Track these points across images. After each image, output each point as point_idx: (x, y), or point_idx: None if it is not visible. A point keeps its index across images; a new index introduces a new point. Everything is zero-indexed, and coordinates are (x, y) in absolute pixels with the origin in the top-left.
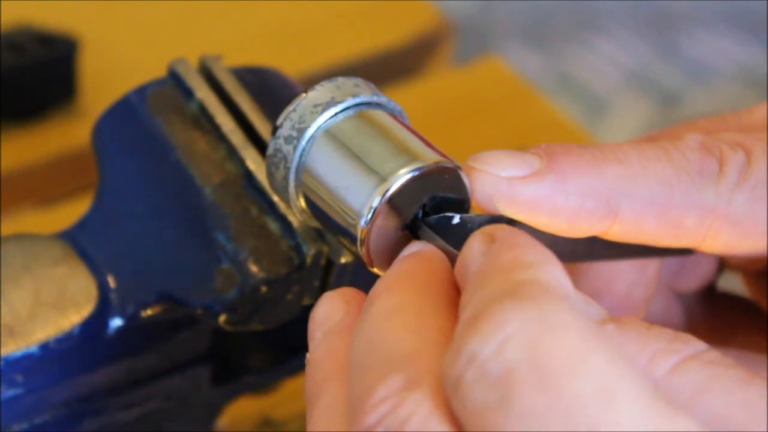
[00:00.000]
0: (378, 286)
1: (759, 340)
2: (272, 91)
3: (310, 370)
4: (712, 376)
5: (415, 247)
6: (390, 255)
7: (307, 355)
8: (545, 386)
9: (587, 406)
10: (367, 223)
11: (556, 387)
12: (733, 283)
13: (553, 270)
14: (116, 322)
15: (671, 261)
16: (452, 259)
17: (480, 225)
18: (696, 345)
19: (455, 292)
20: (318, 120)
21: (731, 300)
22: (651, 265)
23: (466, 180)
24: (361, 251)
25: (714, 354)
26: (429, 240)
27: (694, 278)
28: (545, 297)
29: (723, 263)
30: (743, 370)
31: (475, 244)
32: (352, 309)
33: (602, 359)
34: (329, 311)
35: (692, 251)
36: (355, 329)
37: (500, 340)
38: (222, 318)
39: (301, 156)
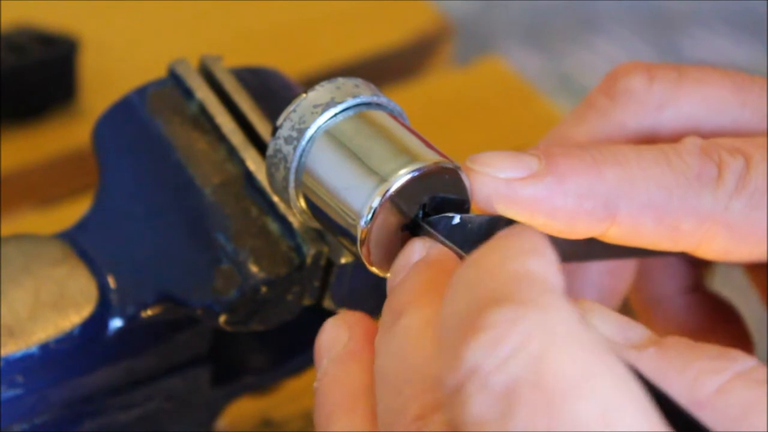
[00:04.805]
0: (402, 296)
1: (735, 341)
2: (272, 92)
3: (319, 399)
4: (757, 397)
5: (419, 245)
6: (390, 255)
7: (315, 384)
8: (547, 406)
9: (587, 428)
10: (367, 224)
11: (558, 408)
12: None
13: (541, 262)
14: (116, 323)
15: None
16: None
17: (480, 225)
18: (743, 362)
19: None
20: (318, 120)
21: (711, 300)
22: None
23: (466, 180)
24: (361, 251)
25: (761, 372)
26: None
27: (668, 287)
28: (547, 300)
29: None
30: None
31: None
32: (355, 334)
33: (608, 380)
34: (333, 337)
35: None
36: (381, 341)
37: (506, 352)
38: (222, 318)
39: (301, 156)
